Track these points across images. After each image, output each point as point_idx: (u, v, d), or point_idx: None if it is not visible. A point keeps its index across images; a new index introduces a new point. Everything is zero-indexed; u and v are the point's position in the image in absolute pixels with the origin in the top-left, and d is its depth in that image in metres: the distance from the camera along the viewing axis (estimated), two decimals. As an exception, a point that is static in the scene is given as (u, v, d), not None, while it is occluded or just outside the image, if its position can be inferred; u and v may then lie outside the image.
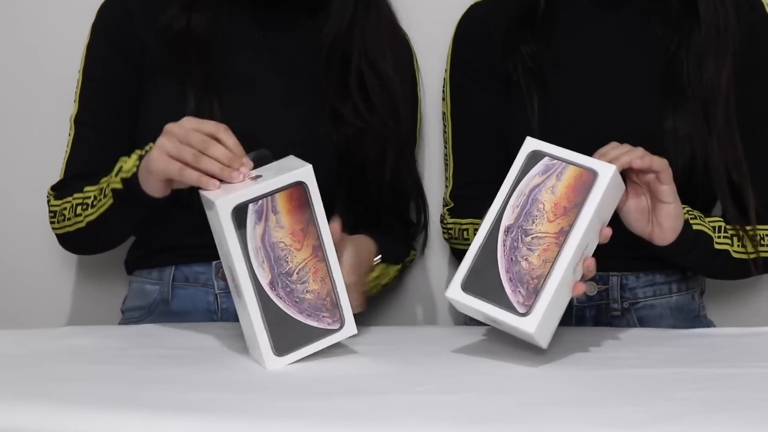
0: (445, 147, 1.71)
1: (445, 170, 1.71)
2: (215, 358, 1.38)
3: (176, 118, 1.55)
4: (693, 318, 1.69)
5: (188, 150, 1.34)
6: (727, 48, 1.57)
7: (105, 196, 1.51)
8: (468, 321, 1.78)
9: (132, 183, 1.45)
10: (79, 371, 1.32)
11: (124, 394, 1.21)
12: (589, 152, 1.43)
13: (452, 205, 1.69)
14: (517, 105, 1.62)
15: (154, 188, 1.42)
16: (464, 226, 1.66)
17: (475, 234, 1.52)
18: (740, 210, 1.57)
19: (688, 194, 1.55)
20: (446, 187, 1.71)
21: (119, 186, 1.48)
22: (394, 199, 1.67)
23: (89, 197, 1.54)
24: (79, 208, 1.55)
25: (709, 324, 1.71)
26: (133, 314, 1.69)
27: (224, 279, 1.60)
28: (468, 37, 1.69)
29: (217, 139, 1.35)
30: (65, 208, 1.58)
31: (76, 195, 1.56)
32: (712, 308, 1.75)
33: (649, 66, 1.61)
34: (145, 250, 1.68)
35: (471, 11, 1.70)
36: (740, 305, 1.85)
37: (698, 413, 1.16)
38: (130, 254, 1.72)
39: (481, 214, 1.48)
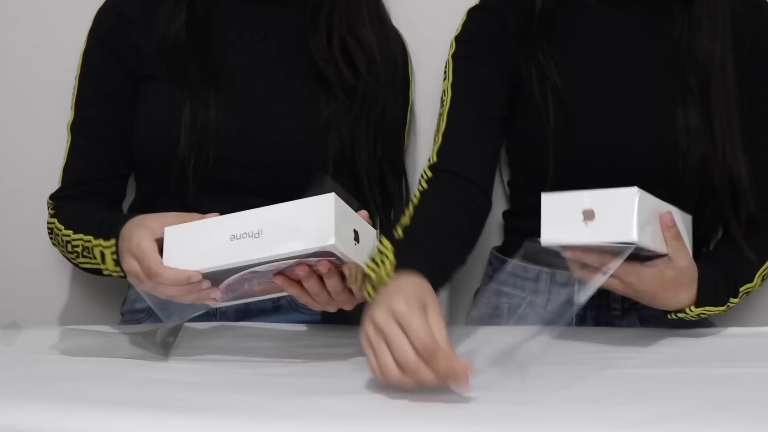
0: (437, 125, 1.62)
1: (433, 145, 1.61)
2: (216, 359, 1.38)
3: (172, 117, 1.56)
4: (693, 318, 1.69)
5: None
6: (717, 25, 1.55)
7: (94, 257, 1.52)
8: (468, 321, 1.78)
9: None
10: (79, 371, 1.32)
11: (124, 394, 1.21)
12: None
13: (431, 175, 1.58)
14: (529, 110, 1.60)
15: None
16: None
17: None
18: (737, 213, 1.56)
19: (700, 197, 1.54)
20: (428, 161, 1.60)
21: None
22: (381, 197, 1.66)
23: (78, 247, 1.55)
24: (69, 246, 1.56)
25: (709, 324, 1.70)
26: (131, 317, 1.69)
27: None
28: (481, 21, 1.64)
29: None
30: (58, 234, 1.59)
31: (67, 232, 1.57)
32: (713, 308, 1.75)
33: (658, 63, 1.60)
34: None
35: (483, 1, 1.66)
36: (740, 305, 1.84)
37: (698, 413, 1.16)
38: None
39: None
